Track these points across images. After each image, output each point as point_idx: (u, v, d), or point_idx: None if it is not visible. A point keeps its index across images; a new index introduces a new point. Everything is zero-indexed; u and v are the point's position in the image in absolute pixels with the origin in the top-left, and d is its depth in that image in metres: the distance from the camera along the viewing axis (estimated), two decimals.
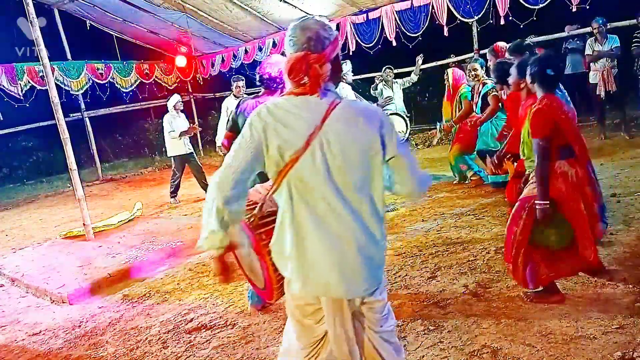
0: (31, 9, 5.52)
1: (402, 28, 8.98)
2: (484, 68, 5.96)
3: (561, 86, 3.31)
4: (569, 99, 3.34)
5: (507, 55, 4.60)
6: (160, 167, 12.75)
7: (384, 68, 7.99)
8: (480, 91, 5.77)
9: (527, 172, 3.31)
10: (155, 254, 5.25)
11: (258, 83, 3.39)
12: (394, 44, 9.20)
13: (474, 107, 5.90)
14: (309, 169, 1.65)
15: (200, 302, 4.09)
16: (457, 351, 2.78)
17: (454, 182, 6.55)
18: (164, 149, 14.11)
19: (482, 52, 9.44)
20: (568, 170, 2.98)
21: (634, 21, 7.14)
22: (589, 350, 2.59)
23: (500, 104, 5.39)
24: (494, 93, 5.48)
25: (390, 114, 6.84)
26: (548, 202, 2.93)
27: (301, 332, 1.84)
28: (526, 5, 7.67)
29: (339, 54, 1.75)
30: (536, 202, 2.95)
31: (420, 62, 8.05)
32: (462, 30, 8.93)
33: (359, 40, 9.63)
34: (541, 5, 7.53)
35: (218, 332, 3.50)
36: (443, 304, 3.34)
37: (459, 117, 6.21)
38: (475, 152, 6.08)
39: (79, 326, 3.99)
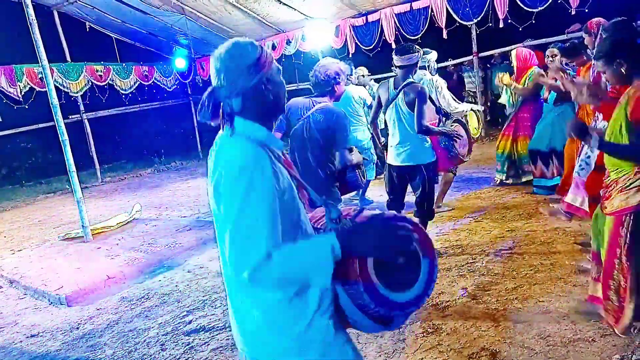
0: (30, 11, 5.52)
1: (402, 31, 9.00)
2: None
3: None
4: None
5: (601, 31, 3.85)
6: (159, 169, 12.75)
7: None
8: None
9: (618, 177, 2.61)
10: (153, 256, 5.24)
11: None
12: (394, 46, 9.21)
13: (548, 93, 5.26)
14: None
15: (198, 304, 4.08)
16: (456, 354, 2.78)
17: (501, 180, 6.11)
18: (163, 151, 14.28)
19: (480, 55, 9.53)
20: None
21: (633, 24, 7.16)
22: (588, 353, 2.59)
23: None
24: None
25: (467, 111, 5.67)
26: None
27: None
28: (525, 8, 7.70)
29: (263, 82, 1.48)
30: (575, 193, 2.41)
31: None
32: (461, 33, 8.96)
33: (358, 43, 9.65)
34: (540, 8, 7.56)
35: (217, 334, 3.49)
36: (442, 307, 3.34)
37: (522, 90, 5.50)
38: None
39: (77, 328, 3.98)
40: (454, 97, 5.65)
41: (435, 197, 5.24)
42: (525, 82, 5.54)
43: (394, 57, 3.93)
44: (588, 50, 4.51)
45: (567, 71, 4.55)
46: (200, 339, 3.47)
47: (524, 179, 5.89)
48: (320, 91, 3.35)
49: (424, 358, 2.81)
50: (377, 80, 7.53)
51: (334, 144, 3.29)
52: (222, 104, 1.48)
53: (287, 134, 3.42)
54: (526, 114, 5.68)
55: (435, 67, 5.55)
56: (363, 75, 6.86)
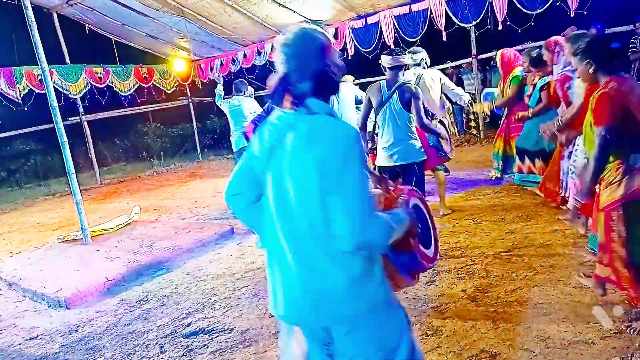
0: (30, 13, 5.53)
1: (401, 33, 9.02)
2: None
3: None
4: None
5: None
6: (159, 171, 12.74)
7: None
8: (536, 83, 5.14)
9: (603, 175, 2.78)
10: (153, 258, 5.23)
11: None
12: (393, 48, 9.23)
13: (528, 99, 5.27)
14: (268, 193, 1.64)
15: (198, 306, 4.08)
16: (456, 356, 2.77)
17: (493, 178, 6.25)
18: (162, 153, 14.28)
19: (479, 57, 9.55)
20: None
21: (631, 27, 7.19)
22: (587, 356, 2.59)
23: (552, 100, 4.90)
24: (545, 88, 4.98)
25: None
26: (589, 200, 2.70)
27: (281, 350, 1.86)
28: (524, 10, 7.71)
29: (330, 64, 1.62)
30: (575, 196, 2.64)
31: None
32: (460, 36, 8.98)
33: (357, 45, 9.66)
34: (539, 11, 7.58)
35: (216, 337, 3.49)
36: (441, 309, 3.34)
37: (501, 102, 5.67)
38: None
39: (76, 330, 3.98)
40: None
41: (439, 204, 5.36)
42: (508, 84, 5.58)
43: (384, 57, 4.11)
44: (548, 67, 4.78)
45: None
46: (199, 342, 3.46)
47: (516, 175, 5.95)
48: None
49: None
50: (362, 86, 7.69)
51: None
52: (290, 87, 1.59)
53: None
54: (515, 115, 5.68)
55: (429, 63, 5.62)
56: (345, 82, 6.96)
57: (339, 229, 1.46)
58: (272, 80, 1.61)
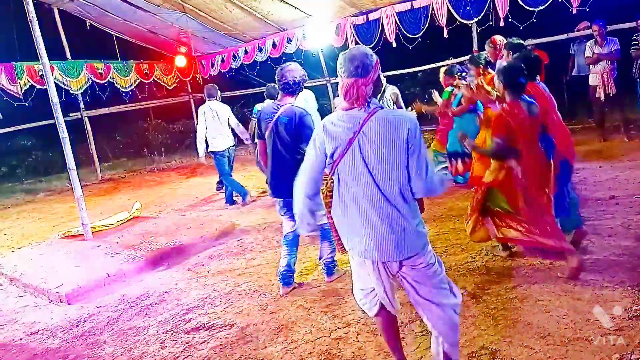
0: (31, 8, 5.52)
1: (402, 29, 8.99)
2: (460, 74, 6.00)
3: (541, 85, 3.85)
4: (534, 102, 3.58)
5: (503, 50, 4.77)
6: (160, 167, 12.74)
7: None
8: (456, 94, 5.84)
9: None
10: (153, 254, 5.24)
11: (280, 89, 3.80)
12: (394, 45, 9.21)
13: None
14: (350, 162, 2.21)
15: (198, 302, 4.08)
16: None
17: None
18: (163, 149, 14.27)
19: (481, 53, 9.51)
20: (515, 166, 3.53)
21: (633, 24, 7.15)
22: (587, 353, 2.60)
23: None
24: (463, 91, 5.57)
25: None
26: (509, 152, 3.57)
27: (356, 278, 2.49)
28: (526, 7, 7.68)
29: (380, 74, 2.25)
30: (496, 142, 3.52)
31: None
32: (461, 32, 8.94)
33: (358, 42, 9.62)
34: (541, 7, 7.55)
35: (216, 333, 3.50)
36: None
37: (429, 108, 6.42)
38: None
39: (77, 326, 3.99)
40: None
41: None
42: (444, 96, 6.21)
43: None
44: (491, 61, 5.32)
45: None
46: (199, 337, 3.47)
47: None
48: (291, 92, 3.79)
49: (423, 357, 2.81)
50: None
51: (300, 139, 3.65)
52: (358, 91, 2.16)
53: (261, 136, 3.93)
54: (442, 127, 6.53)
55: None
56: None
57: (418, 180, 2.16)
58: (343, 87, 2.19)
